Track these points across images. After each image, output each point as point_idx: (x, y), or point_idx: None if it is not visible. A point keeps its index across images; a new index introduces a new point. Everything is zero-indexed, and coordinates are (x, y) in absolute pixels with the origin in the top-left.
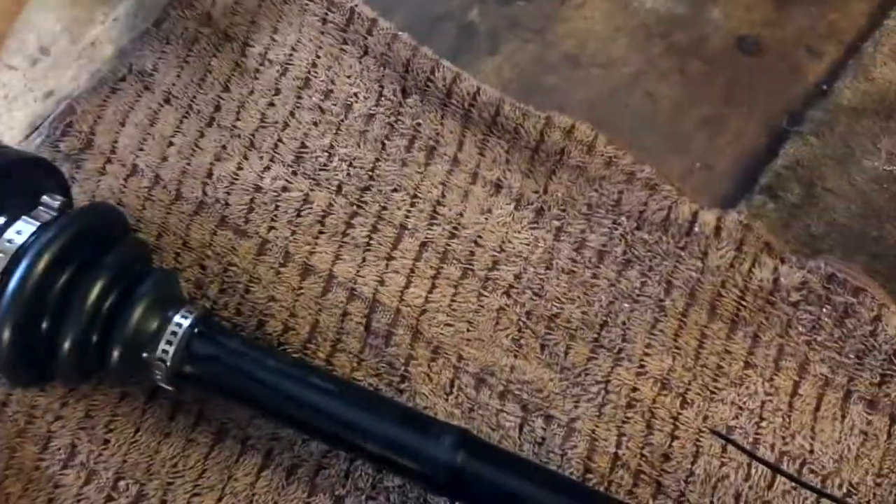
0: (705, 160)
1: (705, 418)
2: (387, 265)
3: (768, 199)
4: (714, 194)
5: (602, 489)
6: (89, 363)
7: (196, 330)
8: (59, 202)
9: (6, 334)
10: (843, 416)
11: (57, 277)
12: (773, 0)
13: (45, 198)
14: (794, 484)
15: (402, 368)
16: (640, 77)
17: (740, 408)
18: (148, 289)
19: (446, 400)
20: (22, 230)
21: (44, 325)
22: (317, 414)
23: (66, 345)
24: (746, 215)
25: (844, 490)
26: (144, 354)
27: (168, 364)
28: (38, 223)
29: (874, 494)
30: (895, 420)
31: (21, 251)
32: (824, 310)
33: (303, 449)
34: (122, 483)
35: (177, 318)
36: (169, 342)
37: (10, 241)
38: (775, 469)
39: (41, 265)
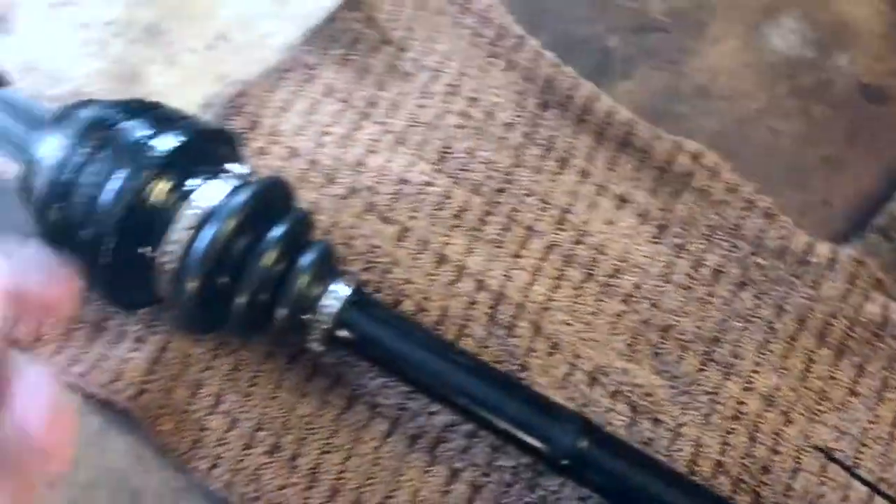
0: (823, 197)
1: (807, 437)
2: (514, 262)
3: (882, 240)
4: (829, 230)
5: None
6: (257, 320)
7: (353, 299)
8: (245, 171)
9: (193, 285)
10: None
11: (239, 239)
12: None
13: (232, 166)
14: None
15: (522, 359)
16: (765, 113)
17: (842, 432)
18: (313, 258)
19: (560, 393)
20: (212, 193)
21: (223, 280)
22: (454, 385)
23: (241, 300)
24: (860, 252)
25: None
26: (305, 317)
27: (325, 327)
28: (227, 188)
29: None
30: None
31: (211, 212)
32: None
33: (427, 421)
34: (260, 433)
35: (336, 287)
36: (328, 307)
37: (201, 201)
38: (876, 490)
39: (229, 226)
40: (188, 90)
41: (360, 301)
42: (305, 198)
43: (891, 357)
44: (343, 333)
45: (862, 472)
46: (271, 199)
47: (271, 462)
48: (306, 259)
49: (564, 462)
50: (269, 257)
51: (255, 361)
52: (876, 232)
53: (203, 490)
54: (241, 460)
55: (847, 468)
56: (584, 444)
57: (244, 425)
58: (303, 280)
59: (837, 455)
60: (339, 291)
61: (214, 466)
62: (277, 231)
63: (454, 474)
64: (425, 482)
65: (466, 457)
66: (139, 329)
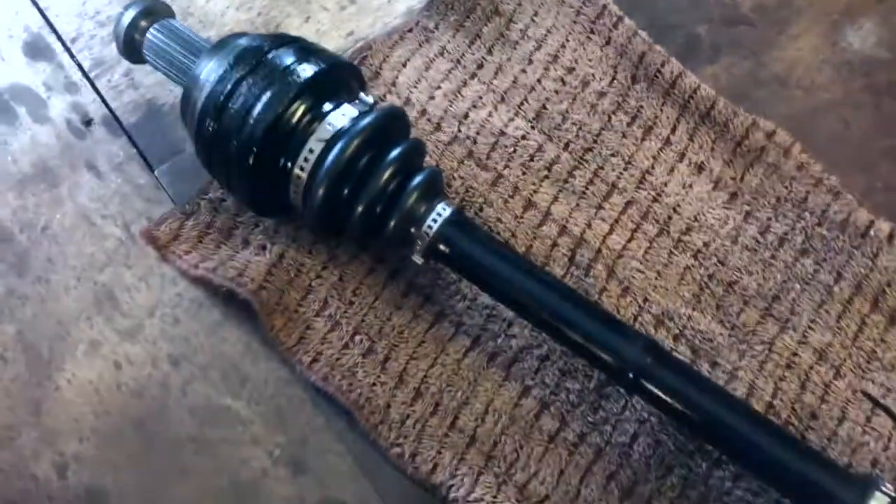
0: (887, 182)
1: (854, 391)
2: (596, 213)
3: None
4: (889, 213)
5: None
6: (371, 228)
7: (453, 219)
8: (370, 100)
9: (322, 191)
10: None
11: (363, 156)
12: None
13: (361, 94)
14: None
15: (596, 297)
16: (838, 105)
17: (889, 389)
18: (423, 179)
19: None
20: (343, 115)
21: (346, 190)
22: (537, 300)
23: (360, 209)
24: None
25: None
26: (412, 229)
27: (427, 240)
28: (355, 112)
29: None
30: None
31: (342, 131)
32: None
33: (505, 342)
34: (357, 337)
35: (440, 206)
36: (432, 222)
37: (333, 122)
38: None
39: (355, 144)
40: (321, 43)
41: (459, 221)
42: None
43: None
44: (442, 247)
45: None
46: (391, 126)
47: (365, 362)
48: (417, 180)
49: (630, 375)
50: (385, 174)
51: (359, 275)
52: None
53: (303, 381)
54: (339, 358)
55: (887, 409)
56: (649, 360)
57: (345, 328)
58: (412, 197)
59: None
60: (442, 211)
61: (315, 361)
62: (394, 153)
63: (525, 391)
64: (499, 394)
65: (538, 377)
66: (262, 238)
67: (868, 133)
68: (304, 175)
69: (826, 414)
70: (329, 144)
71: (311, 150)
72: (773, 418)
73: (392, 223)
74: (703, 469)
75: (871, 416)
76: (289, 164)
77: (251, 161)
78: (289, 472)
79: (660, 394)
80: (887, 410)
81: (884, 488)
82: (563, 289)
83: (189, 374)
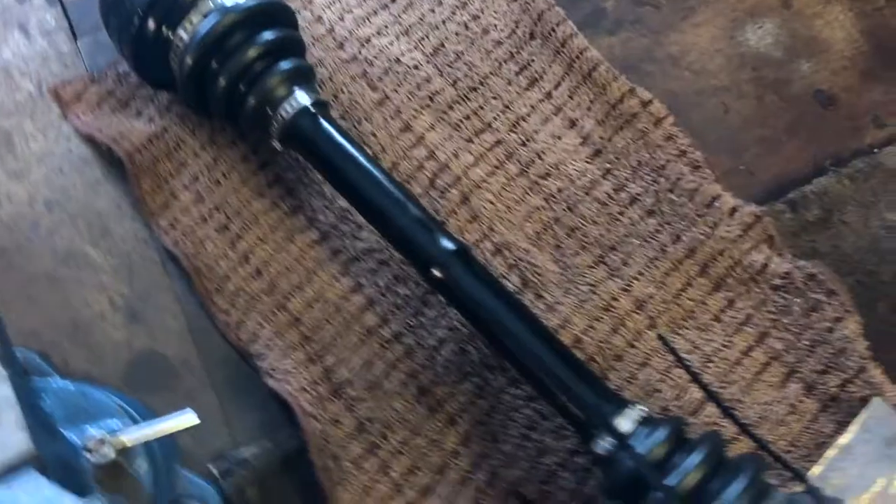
0: (750, 168)
1: (675, 348)
2: (465, 146)
3: (788, 210)
4: (745, 195)
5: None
6: (233, 105)
7: (312, 110)
8: None
9: (190, 60)
10: (781, 387)
11: (236, 32)
12: (861, 72)
13: None
14: (718, 418)
15: (444, 217)
16: (723, 91)
17: (696, 346)
18: (290, 66)
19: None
20: None
21: (213, 63)
22: (369, 190)
23: (223, 82)
24: (765, 213)
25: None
26: (269, 111)
27: (282, 123)
28: None
29: (782, 450)
30: (824, 408)
31: (222, 7)
32: (798, 300)
33: (350, 242)
34: (217, 214)
35: (301, 94)
36: (289, 107)
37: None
38: (704, 388)
39: (230, 19)
40: None
41: (317, 113)
42: (316, 55)
43: (759, 300)
44: (296, 134)
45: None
46: (272, 13)
47: (217, 237)
48: (283, 65)
49: (437, 273)
50: (252, 52)
51: (232, 160)
52: (785, 203)
53: (158, 245)
54: (195, 229)
55: (681, 359)
56: (458, 262)
57: (207, 204)
58: (274, 80)
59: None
60: (302, 99)
61: (172, 227)
62: (266, 35)
63: (357, 287)
64: (332, 287)
65: (372, 278)
66: (153, 112)
67: (745, 121)
68: (180, 45)
69: (631, 358)
70: (207, 17)
71: (190, 21)
72: (578, 351)
73: (251, 101)
74: (499, 384)
75: (672, 368)
76: (170, 33)
77: (136, 23)
78: (125, 320)
79: (459, 295)
80: (677, 356)
81: (639, 406)
82: (394, 183)
83: (59, 219)
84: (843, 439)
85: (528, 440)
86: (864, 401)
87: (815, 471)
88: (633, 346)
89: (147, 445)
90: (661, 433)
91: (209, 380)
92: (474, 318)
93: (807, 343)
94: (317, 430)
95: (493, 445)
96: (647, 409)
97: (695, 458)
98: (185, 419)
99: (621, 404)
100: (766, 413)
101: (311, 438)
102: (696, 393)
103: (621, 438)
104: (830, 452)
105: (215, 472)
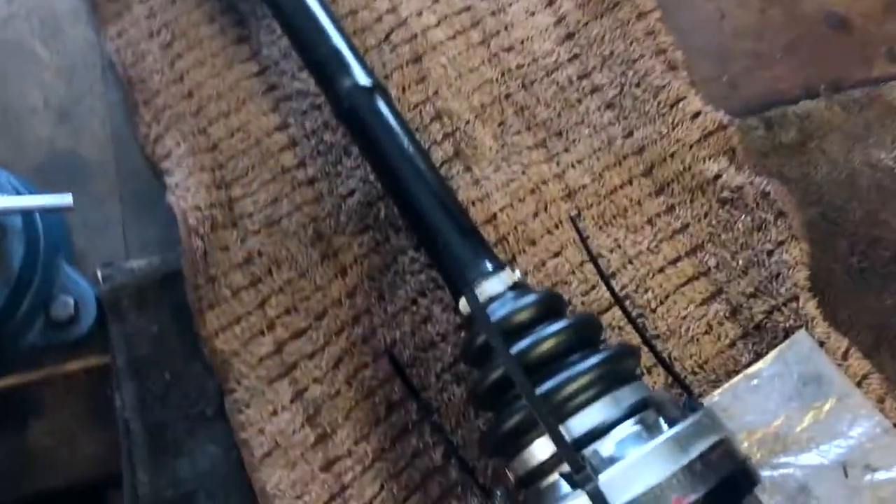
0: (733, 80)
1: (587, 237)
2: (431, 5)
3: (762, 126)
4: (721, 106)
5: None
6: None
7: None
8: None
9: None
10: (702, 304)
11: None
12: (886, 1)
13: None
14: (623, 323)
15: (390, 72)
16: None
17: (619, 246)
18: None
19: (406, 113)
20: None
21: None
22: (299, 19)
23: None
24: (732, 122)
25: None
26: None
27: None
28: None
29: (688, 370)
30: (745, 335)
31: None
32: (744, 217)
33: (288, 81)
34: (164, 31)
35: None
36: None
37: None
38: (605, 280)
39: None
40: None
41: None
42: None
43: (702, 211)
44: None
45: (615, 284)
46: None
47: (159, 52)
48: None
49: (345, 105)
50: None
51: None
52: (760, 119)
53: (104, 52)
54: (140, 42)
55: (584, 242)
56: (369, 99)
57: (157, 20)
58: None
59: (601, 261)
60: None
61: (119, 36)
62: None
63: (284, 126)
64: (258, 120)
65: (301, 119)
66: None
67: (739, 31)
68: None
69: (544, 245)
70: None
71: None
72: (489, 229)
73: None
74: (399, 245)
75: (586, 263)
76: None
77: None
78: (54, 118)
79: (361, 131)
80: (583, 241)
81: (516, 272)
82: (326, 11)
83: (15, 12)
84: (755, 367)
85: (415, 304)
86: (788, 334)
87: (715, 396)
88: (549, 234)
89: (28, 232)
90: (528, 300)
91: (118, 189)
92: (371, 157)
93: (742, 263)
94: (197, 248)
95: (378, 303)
96: (523, 278)
97: (553, 328)
98: (60, 199)
99: (498, 268)
100: (678, 328)
101: (187, 254)
102: (605, 293)
103: (486, 300)
104: (736, 379)
105: (100, 275)
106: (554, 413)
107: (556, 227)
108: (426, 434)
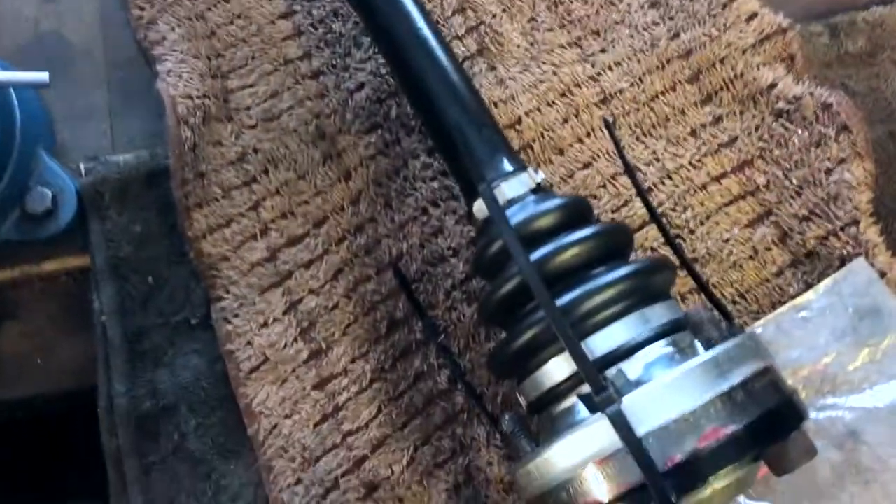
0: None
1: (623, 147)
2: None
3: (826, 33)
4: (781, 8)
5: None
6: None
7: None
8: None
9: None
10: (747, 226)
11: None
12: None
13: None
14: (660, 243)
15: None
16: None
17: (657, 158)
18: None
19: (426, 4)
20: None
21: None
22: None
23: None
24: (792, 26)
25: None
26: None
27: None
28: None
29: (728, 299)
30: (795, 262)
31: None
32: (800, 131)
33: None
34: None
35: None
36: None
37: None
38: (642, 196)
39: None
40: None
41: None
42: None
43: (753, 124)
44: None
45: (653, 200)
46: None
47: None
48: None
49: None
50: None
51: None
52: (825, 25)
53: None
54: None
55: (620, 150)
56: None
57: None
58: None
59: (639, 175)
60: None
61: None
62: None
63: (289, 13)
64: (260, 6)
65: (307, 6)
66: None
67: None
68: None
69: (574, 154)
70: None
71: None
72: (512, 135)
73: None
74: (410, 147)
75: (619, 175)
76: None
77: None
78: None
79: (374, 14)
80: (619, 149)
81: (540, 174)
82: None
83: None
84: (804, 298)
85: (425, 214)
86: (844, 262)
87: (757, 328)
88: (580, 142)
89: (2, 115)
90: (551, 204)
91: (107, 77)
92: (384, 45)
93: (795, 182)
94: (186, 140)
95: (385, 211)
96: (547, 182)
97: (577, 235)
98: (36, 76)
99: (519, 169)
100: (719, 251)
101: (174, 146)
102: (640, 209)
103: (504, 203)
104: (782, 310)
105: (83, 169)
106: (574, 328)
107: (588, 135)
108: (431, 356)
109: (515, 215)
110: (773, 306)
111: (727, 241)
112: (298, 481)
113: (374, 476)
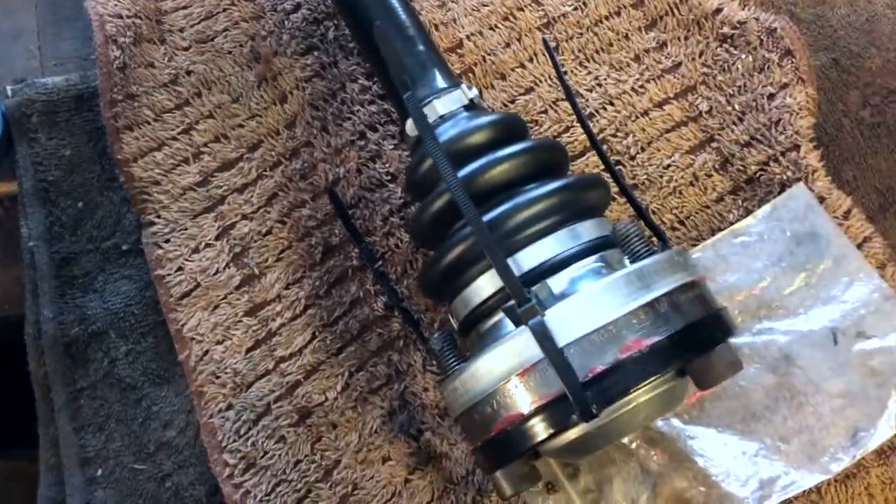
0: None
1: (564, 72)
2: None
3: None
4: None
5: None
6: None
7: None
8: None
9: None
10: (688, 152)
11: None
12: None
13: None
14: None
15: None
16: None
17: (599, 84)
18: None
19: None
20: None
21: None
22: None
23: None
24: None
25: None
26: None
27: None
28: None
29: (667, 225)
30: (735, 189)
31: None
32: (743, 56)
33: None
34: None
35: None
36: None
37: None
38: (581, 119)
39: None
40: None
41: None
42: None
43: (697, 49)
44: None
45: (595, 126)
46: None
47: None
48: None
49: None
50: None
51: None
52: None
53: None
54: None
55: (559, 70)
56: None
57: None
58: None
59: (581, 101)
60: None
61: None
62: None
63: None
64: None
65: None
66: None
67: None
68: None
69: (515, 79)
70: None
71: None
72: (453, 58)
73: None
74: (348, 70)
75: (560, 101)
76: None
77: None
78: None
79: None
80: (557, 68)
81: (473, 91)
82: None
83: None
84: (743, 223)
85: (363, 139)
86: (784, 188)
87: (695, 253)
88: (522, 67)
89: None
90: (483, 119)
91: None
92: None
93: (738, 108)
94: (115, 60)
95: (321, 135)
96: (480, 98)
97: (507, 151)
98: None
99: (453, 86)
100: (659, 178)
101: (102, 66)
102: (581, 135)
103: (436, 120)
104: (720, 235)
105: (9, 91)
106: (501, 244)
107: (531, 60)
108: (367, 282)
109: (447, 132)
110: (713, 232)
111: (668, 167)
112: (230, 406)
113: (308, 402)
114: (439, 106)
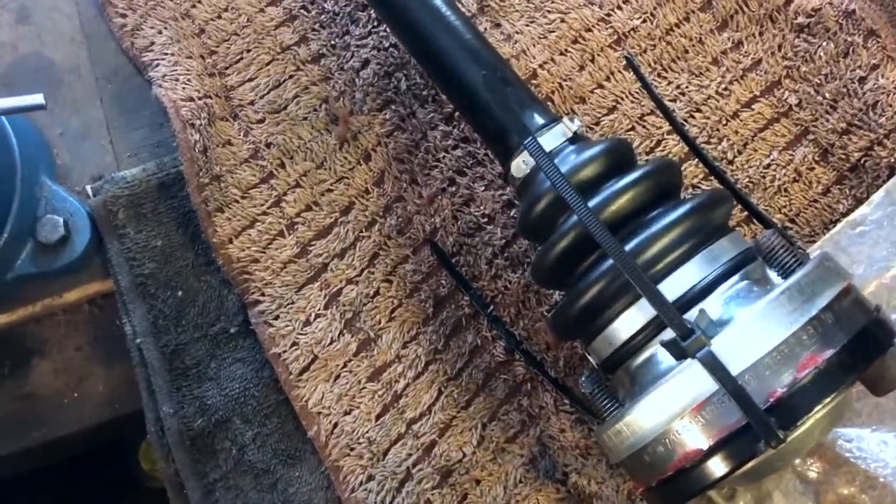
0: None
1: (649, 82)
2: None
3: None
4: None
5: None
6: None
7: None
8: None
9: None
10: (786, 149)
11: None
12: None
13: None
14: (700, 179)
15: None
16: None
17: (682, 93)
18: None
19: None
20: None
21: None
22: None
23: None
24: None
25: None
26: None
27: None
28: None
29: (779, 226)
30: (840, 178)
31: None
32: (825, 44)
33: None
34: None
35: None
36: None
37: None
38: (679, 131)
39: None
40: None
41: None
42: None
43: (775, 44)
44: None
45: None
46: None
47: None
48: None
49: None
50: None
51: None
52: None
53: None
54: None
55: (645, 83)
56: None
57: None
58: None
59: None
60: None
61: None
62: None
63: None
64: None
65: None
66: None
67: None
68: None
69: (596, 101)
70: None
71: None
72: (532, 86)
73: None
74: (427, 118)
75: (647, 116)
76: None
77: None
78: (13, 19)
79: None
80: (643, 81)
81: (576, 121)
82: None
83: None
84: (858, 213)
85: (453, 185)
86: (893, 171)
87: (815, 250)
88: (601, 87)
89: (2, 148)
90: (593, 151)
91: (98, 92)
92: (386, 14)
93: (829, 97)
94: (195, 143)
95: (411, 188)
96: (582, 128)
97: (627, 180)
98: (30, 99)
99: (552, 120)
100: (761, 178)
101: (185, 151)
102: (674, 146)
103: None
104: (837, 228)
105: (89, 190)
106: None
107: (608, 79)
108: (483, 328)
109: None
110: (826, 227)
111: (768, 166)
112: (370, 478)
113: (447, 461)
114: (544, 143)
